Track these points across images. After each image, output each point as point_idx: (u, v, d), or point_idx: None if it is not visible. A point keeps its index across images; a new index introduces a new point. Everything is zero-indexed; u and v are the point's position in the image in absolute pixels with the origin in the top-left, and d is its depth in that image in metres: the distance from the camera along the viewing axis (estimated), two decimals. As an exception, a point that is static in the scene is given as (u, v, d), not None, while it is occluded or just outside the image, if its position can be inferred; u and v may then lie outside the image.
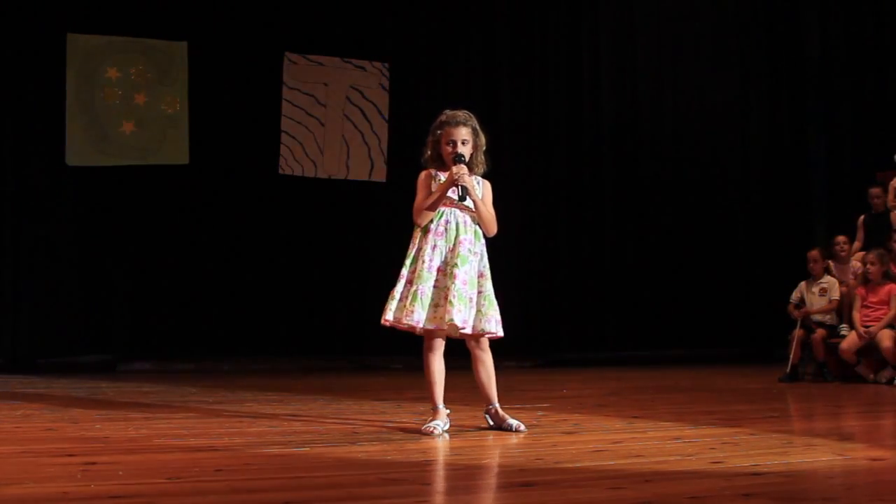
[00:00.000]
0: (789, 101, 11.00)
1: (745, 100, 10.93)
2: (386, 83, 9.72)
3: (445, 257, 3.94)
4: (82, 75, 8.75)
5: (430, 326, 3.89)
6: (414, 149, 10.18)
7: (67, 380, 6.97)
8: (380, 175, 9.64)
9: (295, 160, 9.42)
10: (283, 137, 9.39)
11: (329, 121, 9.57)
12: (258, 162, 9.32)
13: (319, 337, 9.48)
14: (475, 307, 3.94)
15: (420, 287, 3.88)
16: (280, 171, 9.38)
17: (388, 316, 3.93)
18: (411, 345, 8.26)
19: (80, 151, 8.72)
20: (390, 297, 3.95)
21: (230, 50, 9.22)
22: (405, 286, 3.94)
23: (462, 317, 3.86)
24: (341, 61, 9.60)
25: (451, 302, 3.84)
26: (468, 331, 3.93)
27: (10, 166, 8.50)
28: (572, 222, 10.17)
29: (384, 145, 9.66)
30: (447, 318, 3.84)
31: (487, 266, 4.03)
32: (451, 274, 3.89)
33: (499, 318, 3.97)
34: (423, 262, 3.92)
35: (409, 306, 3.87)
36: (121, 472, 2.93)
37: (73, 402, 5.31)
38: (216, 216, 9.26)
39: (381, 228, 9.66)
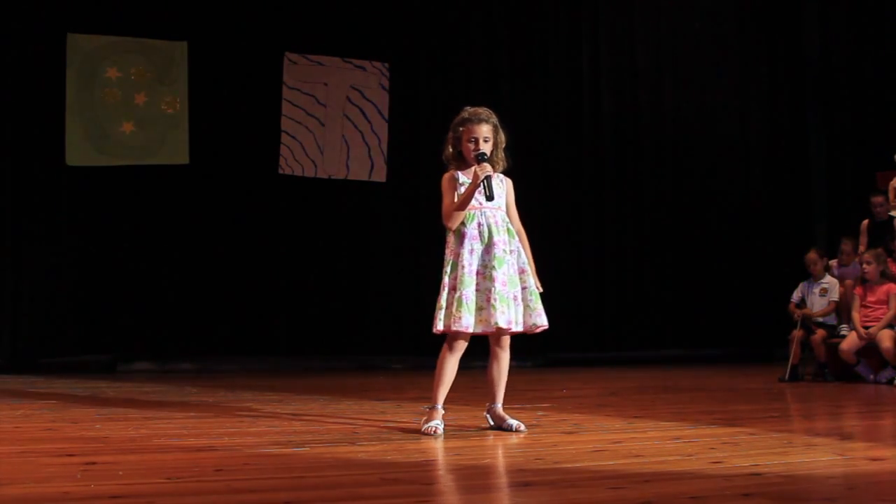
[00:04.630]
0: (789, 102, 10.99)
1: (744, 100, 10.93)
2: (386, 83, 9.72)
3: (482, 260, 3.95)
4: (82, 75, 8.75)
5: (478, 330, 3.90)
6: (414, 149, 10.20)
7: (67, 380, 6.98)
8: (380, 175, 9.64)
9: (295, 160, 9.42)
10: (283, 137, 9.39)
11: (329, 121, 9.57)
12: (258, 162, 9.32)
13: (319, 337, 9.48)
14: (521, 304, 3.97)
15: (464, 292, 3.88)
16: (280, 171, 9.38)
17: (439, 326, 3.91)
18: (411, 345, 8.24)
19: (80, 151, 8.72)
20: (437, 306, 3.93)
21: (230, 50, 9.22)
22: (449, 293, 3.93)
23: (506, 318, 3.88)
24: (341, 61, 9.60)
25: (493, 305, 3.86)
26: (519, 329, 3.96)
27: (10, 166, 8.51)
28: (572, 222, 10.17)
29: (384, 145, 9.66)
30: (492, 321, 3.86)
31: (527, 262, 4.05)
32: (490, 276, 3.90)
33: (543, 309, 4.01)
34: (464, 267, 3.91)
35: (455, 312, 3.86)
36: (121, 472, 2.93)
37: (73, 402, 5.31)
38: (216, 216, 9.26)
39: (381, 228, 9.67)
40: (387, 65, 9.73)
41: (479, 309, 3.90)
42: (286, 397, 5.60)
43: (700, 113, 10.73)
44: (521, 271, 4.02)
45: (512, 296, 3.94)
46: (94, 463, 3.10)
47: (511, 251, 4.01)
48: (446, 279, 3.95)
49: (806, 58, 10.95)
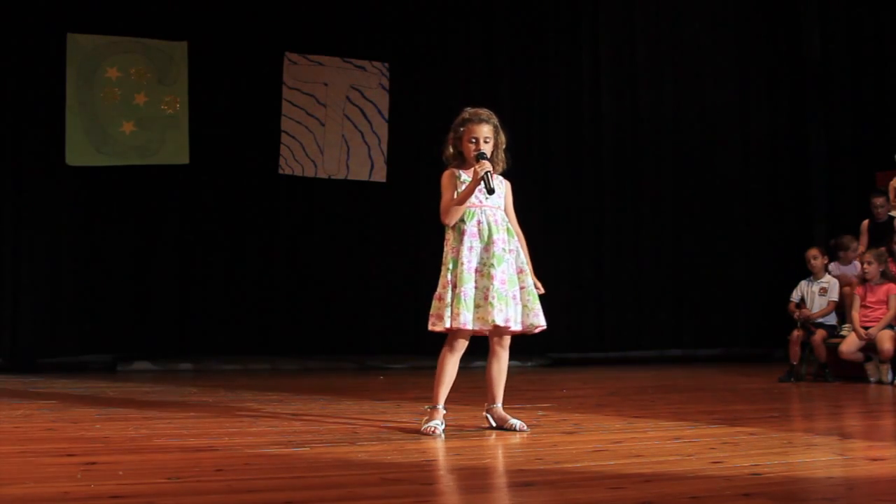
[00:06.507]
0: (789, 102, 10.99)
1: (745, 100, 10.92)
2: (386, 83, 9.72)
3: (481, 258, 3.95)
4: (82, 75, 8.75)
5: (475, 327, 3.89)
6: (414, 149, 10.19)
7: (67, 380, 6.98)
8: (380, 175, 9.63)
9: (295, 160, 9.42)
10: (283, 137, 9.39)
11: (329, 121, 9.57)
12: (258, 162, 9.32)
13: (319, 337, 9.48)
14: (520, 304, 3.97)
15: (463, 289, 3.88)
16: (280, 171, 9.38)
17: (446, 324, 3.89)
18: (411, 345, 8.20)
19: (80, 151, 8.71)
20: (441, 304, 3.91)
21: (230, 50, 9.22)
22: (451, 290, 3.92)
23: (504, 316, 3.88)
24: (341, 61, 9.60)
25: (491, 303, 3.86)
26: (517, 328, 3.96)
27: (10, 166, 8.51)
28: (572, 223, 10.16)
29: (384, 145, 9.66)
30: (490, 319, 3.86)
31: (525, 262, 4.05)
32: (489, 274, 3.90)
33: (541, 310, 4.01)
34: (463, 264, 3.91)
35: (455, 309, 3.87)
36: (121, 472, 2.93)
37: (73, 402, 5.31)
38: (216, 216, 9.27)
39: (381, 228, 9.68)
40: (387, 65, 9.73)
41: (476, 306, 3.89)
42: (286, 397, 5.60)
43: (700, 113, 10.71)
44: (520, 271, 4.03)
45: (511, 295, 3.94)
46: (94, 463, 3.10)
47: (510, 250, 4.01)
48: (449, 276, 3.94)
49: (806, 58, 10.95)
